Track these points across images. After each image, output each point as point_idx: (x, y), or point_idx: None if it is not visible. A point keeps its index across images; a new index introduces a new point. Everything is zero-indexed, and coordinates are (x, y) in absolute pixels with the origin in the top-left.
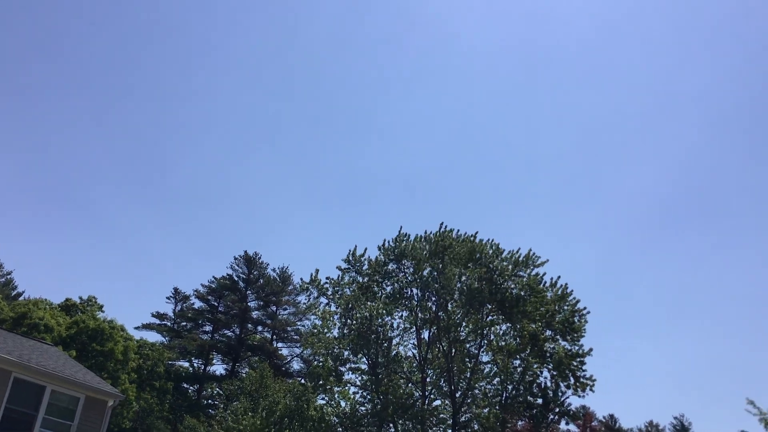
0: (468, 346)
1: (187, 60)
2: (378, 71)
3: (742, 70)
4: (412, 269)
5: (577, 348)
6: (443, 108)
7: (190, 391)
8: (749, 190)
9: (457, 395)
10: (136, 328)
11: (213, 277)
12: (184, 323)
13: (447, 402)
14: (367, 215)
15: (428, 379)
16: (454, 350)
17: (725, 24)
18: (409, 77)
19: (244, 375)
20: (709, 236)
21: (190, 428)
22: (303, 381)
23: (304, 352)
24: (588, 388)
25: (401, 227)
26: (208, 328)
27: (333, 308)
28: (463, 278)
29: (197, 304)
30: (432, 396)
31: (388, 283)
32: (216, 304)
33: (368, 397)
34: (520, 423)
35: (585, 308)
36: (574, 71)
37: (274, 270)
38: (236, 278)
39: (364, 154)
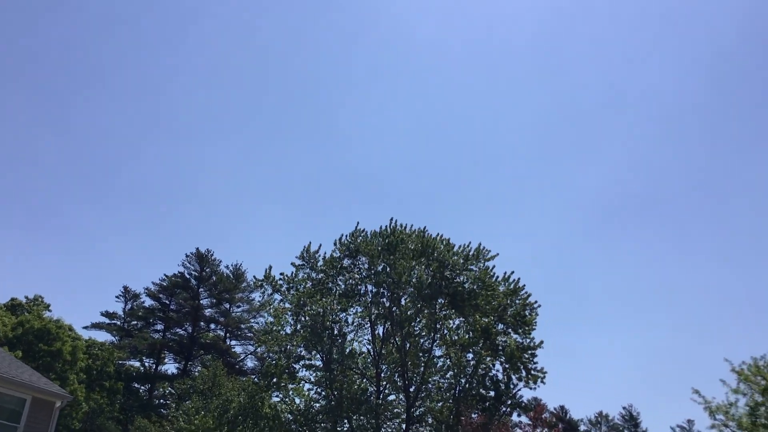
0: (421, 340)
1: (141, 53)
2: (340, 68)
3: (692, 68)
4: (366, 265)
5: (528, 341)
6: (402, 105)
7: (141, 390)
8: (699, 185)
9: (411, 389)
10: (85, 327)
11: (164, 275)
12: (135, 322)
13: (401, 396)
14: (326, 212)
15: (382, 374)
16: (407, 345)
17: (674, 23)
18: (370, 75)
19: (196, 374)
20: (658, 231)
21: (141, 429)
22: (257, 379)
23: (258, 349)
24: (539, 380)
25: (357, 223)
26: (159, 326)
27: (287, 305)
28: (415, 273)
29: (148, 302)
30: (386, 391)
31: (343, 279)
32: (167, 302)
33: (322, 393)
34: (473, 416)
35: (536, 302)
36: (529, 68)
37: (227, 267)
38: (188, 276)
39: (323, 151)
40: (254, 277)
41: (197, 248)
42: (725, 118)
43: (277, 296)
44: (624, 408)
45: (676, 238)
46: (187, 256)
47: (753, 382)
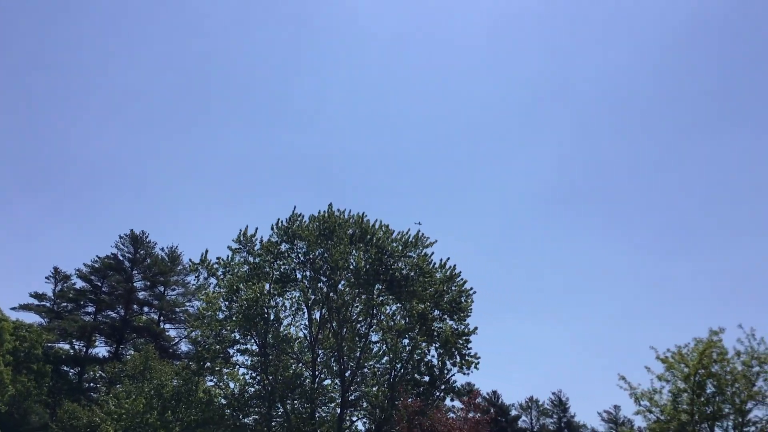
0: (358, 325)
1: (81, 36)
2: (286, 52)
3: (634, 61)
4: (304, 250)
5: (463, 327)
6: (347, 93)
7: (70, 374)
8: (636, 177)
9: (347, 374)
10: (13, 308)
11: (96, 256)
12: (65, 304)
13: (336, 381)
14: (265, 196)
15: (318, 359)
16: (344, 330)
17: (617, 17)
18: (316, 61)
19: (128, 357)
20: (594, 221)
21: (70, 412)
22: (191, 363)
23: (193, 333)
24: (473, 365)
25: (294, 207)
26: (90, 309)
27: (222, 290)
28: (353, 259)
29: (79, 284)
30: (322, 375)
31: (281, 264)
32: (99, 284)
33: (257, 378)
34: (409, 400)
35: (472, 288)
36: (478, 61)
37: (162, 249)
38: (122, 258)
39: (263, 135)
40: (190, 260)
41: (131, 230)
42: (665, 111)
43: (213, 280)
44: (554, 393)
45: (611, 228)
46: (120, 237)
47: (677, 369)
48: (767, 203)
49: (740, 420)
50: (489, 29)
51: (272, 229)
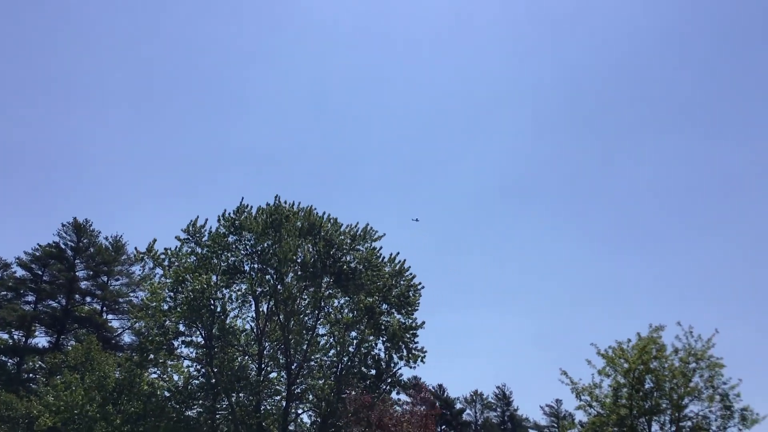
0: (305, 318)
1: (19, 15)
2: (235, 41)
3: (576, 66)
4: (252, 241)
5: (411, 321)
6: (297, 86)
7: (8, 364)
8: (578, 176)
9: (293, 367)
10: None
11: (38, 244)
12: (4, 293)
13: (283, 374)
14: (216, 186)
15: (265, 352)
16: (291, 323)
17: (562, 24)
18: (265, 51)
19: (69, 348)
20: (538, 218)
21: (7, 404)
22: (134, 355)
23: (137, 324)
24: (420, 359)
25: (242, 198)
26: (30, 298)
27: (167, 280)
28: (301, 251)
29: (19, 272)
30: (268, 368)
31: (229, 255)
32: (40, 273)
33: (202, 370)
34: (353, 393)
35: (420, 283)
36: (424, 60)
37: (106, 239)
38: (64, 246)
39: (213, 125)
40: (136, 249)
41: (74, 218)
42: (618, 108)
43: (159, 270)
44: (498, 387)
45: (554, 225)
46: (63, 225)
47: (617, 364)
48: (718, 203)
49: (677, 415)
50: (444, 25)
51: (219, 220)
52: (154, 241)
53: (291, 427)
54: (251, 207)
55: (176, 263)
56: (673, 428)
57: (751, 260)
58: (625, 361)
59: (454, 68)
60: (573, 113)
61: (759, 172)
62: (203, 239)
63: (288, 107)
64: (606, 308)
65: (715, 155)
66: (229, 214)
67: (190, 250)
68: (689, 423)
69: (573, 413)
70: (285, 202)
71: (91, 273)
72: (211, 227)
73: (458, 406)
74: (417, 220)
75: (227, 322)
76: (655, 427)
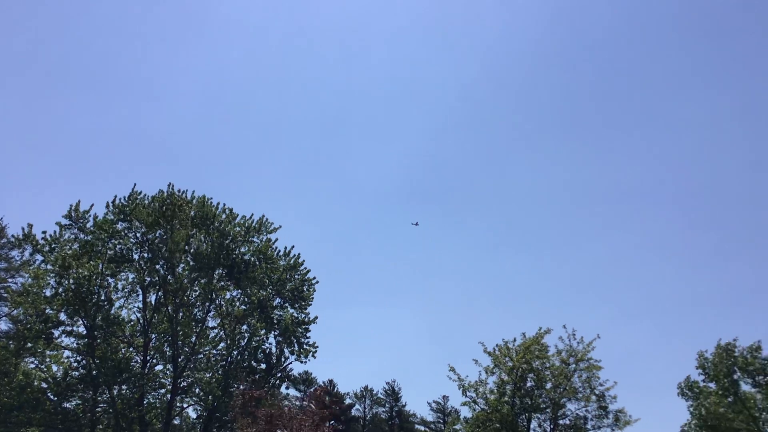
0: (195, 310)
1: None
2: (131, 24)
3: (470, 69)
4: (143, 230)
5: (303, 316)
6: (197, 73)
7: None
8: (477, 177)
9: (180, 360)
10: None
11: None
12: None
13: (169, 366)
14: (103, 171)
15: (151, 344)
16: (180, 314)
17: (456, 28)
18: (166, 37)
19: None
20: (438, 216)
21: None
22: (11, 343)
23: (14, 311)
24: (311, 354)
25: (135, 185)
26: None
27: (48, 266)
28: (194, 242)
29: None
30: (154, 360)
31: (116, 243)
32: None
33: (83, 361)
34: (242, 387)
35: (315, 278)
36: (326, 57)
37: None
38: None
39: (106, 109)
40: (14, 235)
41: None
42: (502, 117)
43: (40, 256)
44: (388, 383)
45: (448, 225)
46: None
47: (502, 362)
48: (608, 207)
49: (556, 413)
50: (346, 26)
51: (107, 207)
52: (31, 226)
53: (176, 421)
54: (144, 194)
55: (57, 249)
56: (552, 426)
57: (638, 263)
58: (509, 359)
59: (356, 68)
60: (470, 117)
61: (646, 178)
62: (87, 225)
63: (187, 96)
64: (498, 307)
65: (606, 161)
66: (120, 200)
67: (72, 236)
68: (566, 421)
69: (459, 409)
70: (179, 191)
71: None
72: (95, 213)
73: (348, 401)
74: (416, 224)
75: (112, 312)
76: (534, 424)
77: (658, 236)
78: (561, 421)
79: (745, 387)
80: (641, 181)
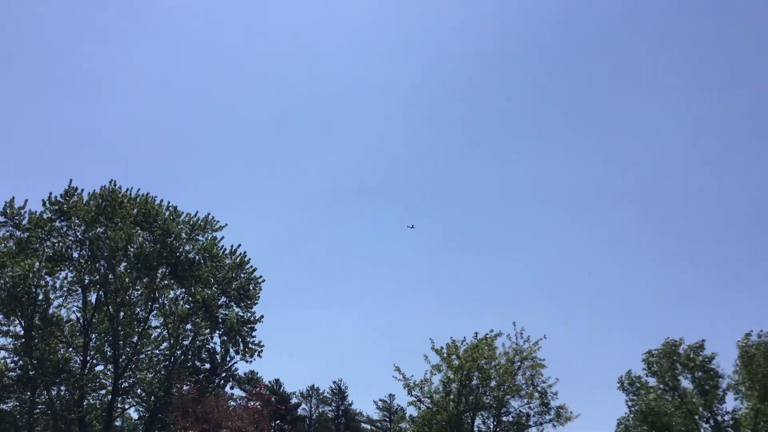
0: (138, 310)
1: None
2: (72, 24)
3: (426, 71)
4: (83, 227)
5: (249, 315)
6: (148, 68)
7: None
8: (431, 175)
9: (121, 360)
10: None
11: None
12: None
13: (110, 367)
14: (40, 167)
15: (91, 344)
16: (122, 314)
17: (407, 27)
18: (116, 28)
19: None
20: (390, 215)
21: None
22: None
23: None
24: (257, 353)
25: (71, 181)
26: None
27: None
28: (136, 240)
29: None
30: (94, 361)
31: (55, 241)
32: None
33: (20, 362)
34: (185, 387)
35: (261, 276)
36: (284, 49)
37: None
38: None
39: (42, 101)
40: None
41: None
42: (460, 118)
43: None
44: (334, 382)
45: (399, 225)
46: None
47: (449, 361)
48: (561, 208)
49: (499, 410)
50: (303, 25)
51: (44, 204)
52: None
53: (117, 423)
54: (82, 191)
55: None
56: (495, 423)
57: (585, 264)
58: (456, 357)
59: (313, 66)
60: (423, 117)
61: (597, 181)
62: (23, 222)
63: (135, 95)
64: (449, 307)
65: (556, 160)
66: (56, 197)
67: (7, 233)
68: (510, 418)
69: (405, 408)
70: (120, 188)
71: None
72: (30, 209)
73: (294, 400)
74: (412, 226)
75: (50, 311)
76: (478, 421)
77: (606, 235)
78: (504, 418)
79: (686, 383)
80: (590, 180)
